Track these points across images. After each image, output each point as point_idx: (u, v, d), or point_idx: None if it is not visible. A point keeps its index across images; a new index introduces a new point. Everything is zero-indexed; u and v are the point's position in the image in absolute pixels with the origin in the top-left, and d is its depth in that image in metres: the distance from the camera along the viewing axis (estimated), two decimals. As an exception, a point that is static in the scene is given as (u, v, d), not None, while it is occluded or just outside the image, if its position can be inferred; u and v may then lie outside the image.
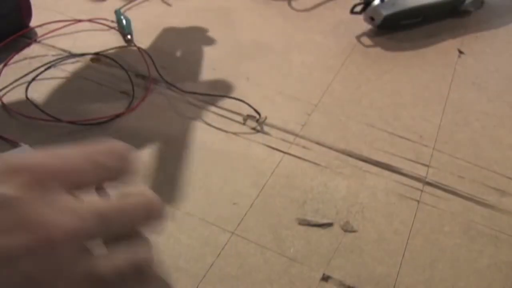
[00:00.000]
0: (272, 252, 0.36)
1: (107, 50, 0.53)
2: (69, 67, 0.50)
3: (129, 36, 0.55)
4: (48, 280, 0.18)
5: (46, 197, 0.18)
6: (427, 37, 0.60)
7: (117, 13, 0.58)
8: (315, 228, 0.37)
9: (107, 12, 0.59)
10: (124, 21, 0.56)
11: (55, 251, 0.18)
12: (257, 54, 0.55)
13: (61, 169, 0.19)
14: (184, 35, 0.57)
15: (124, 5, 0.60)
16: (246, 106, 0.47)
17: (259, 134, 0.45)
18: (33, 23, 0.55)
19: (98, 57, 0.52)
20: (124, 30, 0.55)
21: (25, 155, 0.18)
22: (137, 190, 0.21)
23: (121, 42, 0.54)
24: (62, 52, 0.52)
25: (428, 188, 0.41)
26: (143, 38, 0.55)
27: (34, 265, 0.17)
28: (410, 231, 0.38)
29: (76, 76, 0.50)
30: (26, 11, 0.53)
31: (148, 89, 0.48)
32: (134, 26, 0.56)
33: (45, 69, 0.49)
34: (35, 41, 0.53)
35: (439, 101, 0.51)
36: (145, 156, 0.42)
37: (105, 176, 0.20)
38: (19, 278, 0.17)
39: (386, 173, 0.42)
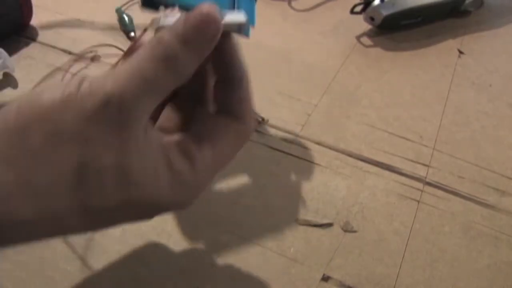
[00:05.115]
0: (272, 252, 0.36)
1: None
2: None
3: (132, 34, 0.55)
4: None
5: None
6: (427, 37, 0.60)
7: (119, 11, 0.58)
8: (315, 228, 0.38)
9: (107, 11, 0.59)
10: (126, 19, 0.56)
11: None
12: (257, 54, 0.55)
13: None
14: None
15: (125, 3, 0.60)
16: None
17: (259, 134, 0.45)
18: (33, 23, 0.55)
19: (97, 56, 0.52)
20: (127, 28, 0.56)
21: None
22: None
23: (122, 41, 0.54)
24: (62, 52, 0.52)
25: (428, 188, 0.41)
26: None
27: None
28: (410, 231, 0.38)
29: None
30: (27, 11, 0.53)
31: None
32: (135, 24, 0.56)
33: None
34: (35, 40, 0.53)
35: (439, 101, 0.51)
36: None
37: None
38: None
39: (386, 173, 0.42)
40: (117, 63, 0.26)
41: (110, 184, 0.20)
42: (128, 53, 0.25)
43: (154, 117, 0.26)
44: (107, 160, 0.20)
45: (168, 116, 0.26)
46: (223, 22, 0.23)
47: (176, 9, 0.25)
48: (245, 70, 0.25)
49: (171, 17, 0.24)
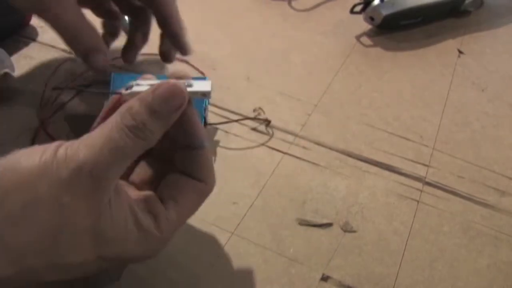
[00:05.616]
0: (272, 252, 0.36)
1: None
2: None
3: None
4: None
5: None
6: (427, 37, 0.60)
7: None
8: (314, 228, 0.38)
9: (107, 12, 0.59)
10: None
11: None
12: (257, 54, 0.55)
13: None
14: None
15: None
16: (246, 106, 0.47)
17: (259, 134, 0.45)
18: (33, 23, 0.55)
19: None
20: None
21: None
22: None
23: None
24: (62, 52, 0.52)
25: (427, 188, 0.41)
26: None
27: None
28: (410, 231, 0.38)
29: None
30: (26, 11, 0.53)
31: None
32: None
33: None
34: (35, 40, 0.53)
35: (439, 101, 0.51)
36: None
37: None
38: None
39: (386, 173, 0.42)
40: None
41: (85, 243, 0.22)
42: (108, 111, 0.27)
43: (127, 171, 0.28)
44: (81, 222, 0.22)
45: (140, 172, 0.29)
46: (189, 90, 0.25)
47: (150, 75, 0.27)
48: (205, 138, 0.27)
49: (145, 81, 0.26)
